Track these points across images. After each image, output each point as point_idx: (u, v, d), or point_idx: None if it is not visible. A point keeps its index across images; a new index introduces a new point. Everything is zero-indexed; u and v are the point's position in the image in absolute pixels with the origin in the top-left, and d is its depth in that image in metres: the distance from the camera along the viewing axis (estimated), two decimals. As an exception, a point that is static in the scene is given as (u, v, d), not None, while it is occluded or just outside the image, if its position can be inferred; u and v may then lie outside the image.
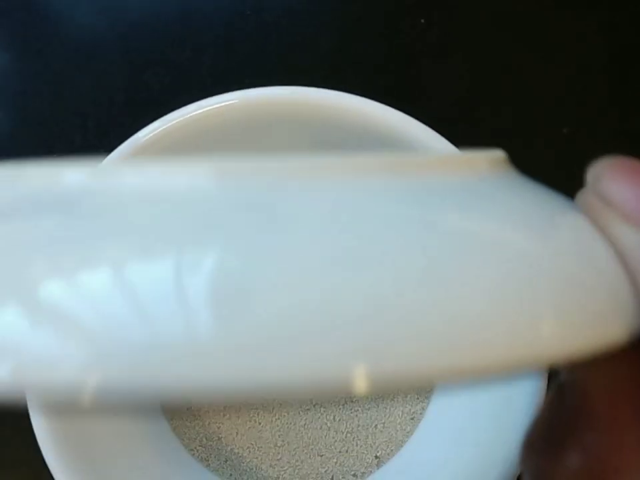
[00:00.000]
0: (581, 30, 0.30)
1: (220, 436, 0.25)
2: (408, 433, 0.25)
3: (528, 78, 0.30)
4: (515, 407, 0.20)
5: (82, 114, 0.30)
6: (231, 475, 0.25)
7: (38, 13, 0.31)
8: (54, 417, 0.21)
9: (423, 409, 0.25)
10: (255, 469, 0.25)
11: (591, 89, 0.30)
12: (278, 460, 0.25)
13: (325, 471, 0.25)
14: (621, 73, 0.30)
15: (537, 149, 0.29)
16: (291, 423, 0.25)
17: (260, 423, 0.25)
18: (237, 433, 0.25)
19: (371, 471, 0.25)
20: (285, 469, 0.25)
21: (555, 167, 0.29)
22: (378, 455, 0.25)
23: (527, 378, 0.20)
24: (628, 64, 0.30)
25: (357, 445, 0.25)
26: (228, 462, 0.25)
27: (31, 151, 0.30)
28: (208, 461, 0.25)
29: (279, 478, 0.25)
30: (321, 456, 0.25)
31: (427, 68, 0.30)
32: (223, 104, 0.23)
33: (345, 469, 0.25)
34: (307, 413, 0.25)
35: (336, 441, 0.25)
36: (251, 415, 0.25)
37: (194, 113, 0.23)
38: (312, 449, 0.25)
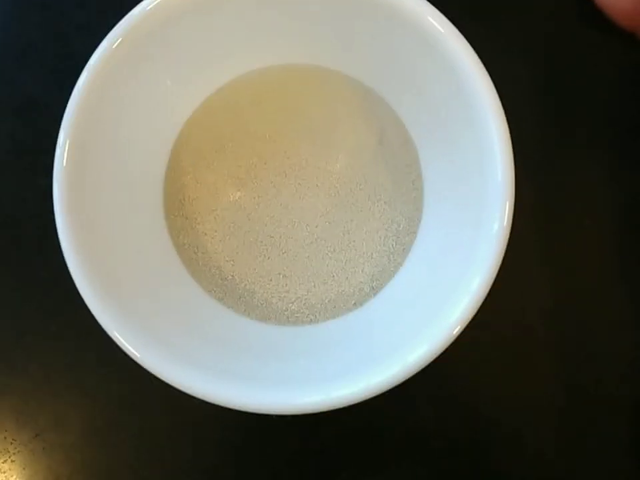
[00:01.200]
0: None
1: (233, 274, 0.28)
2: (399, 264, 0.28)
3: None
4: (484, 238, 0.23)
5: (81, -6, 0.32)
6: (244, 310, 0.28)
7: None
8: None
9: (412, 241, 0.28)
10: (265, 303, 0.28)
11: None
12: (286, 292, 0.28)
13: (329, 300, 0.28)
14: None
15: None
16: (297, 255, 0.28)
17: (269, 258, 0.28)
18: (248, 268, 0.28)
19: (367, 299, 0.28)
20: (292, 300, 0.28)
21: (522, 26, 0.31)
22: (374, 285, 0.28)
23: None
24: None
25: (355, 273, 0.28)
26: (241, 299, 0.28)
27: (37, 32, 0.32)
28: (224, 299, 0.28)
29: (287, 310, 0.28)
30: (325, 284, 0.28)
31: None
32: None
33: (345, 297, 0.28)
34: (310, 246, 0.28)
35: (337, 269, 0.28)
36: (261, 251, 0.28)
37: None
38: (316, 278, 0.28)
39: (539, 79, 0.31)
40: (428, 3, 0.23)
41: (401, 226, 0.28)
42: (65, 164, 0.23)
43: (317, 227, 0.28)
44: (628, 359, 0.30)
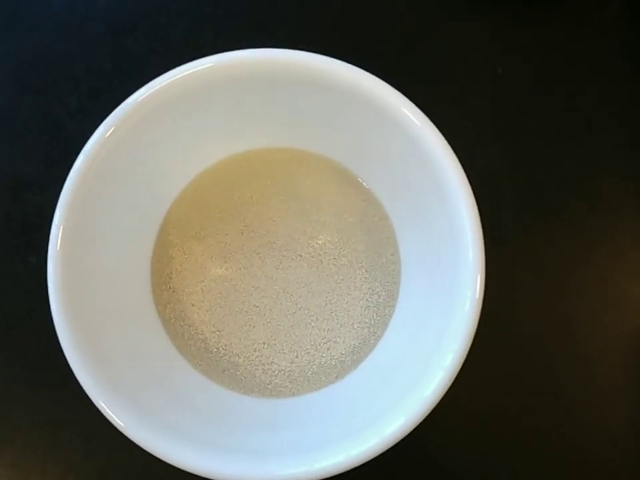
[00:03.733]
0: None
1: (218, 347, 0.29)
2: (379, 336, 0.29)
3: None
4: (457, 314, 0.24)
5: (75, 81, 0.33)
6: (229, 383, 0.28)
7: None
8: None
9: (391, 313, 0.29)
10: (249, 376, 0.29)
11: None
12: (270, 364, 0.29)
13: (311, 373, 0.29)
14: None
15: (475, 87, 0.34)
16: (280, 324, 0.29)
17: (254, 327, 0.29)
18: (234, 338, 0.29)
19: (348, 372, 0.29)
20: (275, 373, 0.29)
21: (490, 108, 0.33)
22: (355, 358, 0.29)
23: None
24: None
25: (337, 344, 0.29)
26: (225, 372, 0.29)
27: (32, 116, 0.33)
28: (208, 372, 0.29)
29: (270, 383, 0.29)
30: (308, 354, 0.29)
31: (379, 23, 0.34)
32: (199, 67, 0.25)
33: (327, 370, 0.29)
34: (294, 315, 0.29)
35: (319, 338, 0.29)
36: (247, 320, 0.29)
37: (174, 78, 0.25)
38: (299, 348, 0.29)
39: (511, 164, 0.33)
40: (403, 96, 0.25)
41: (381, 297, 0.29)
42: (59, 243, 0.24)
43: (300, 296, 0.29)
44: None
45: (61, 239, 0.24)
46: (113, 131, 0.25)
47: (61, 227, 0.24)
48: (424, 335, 0.26)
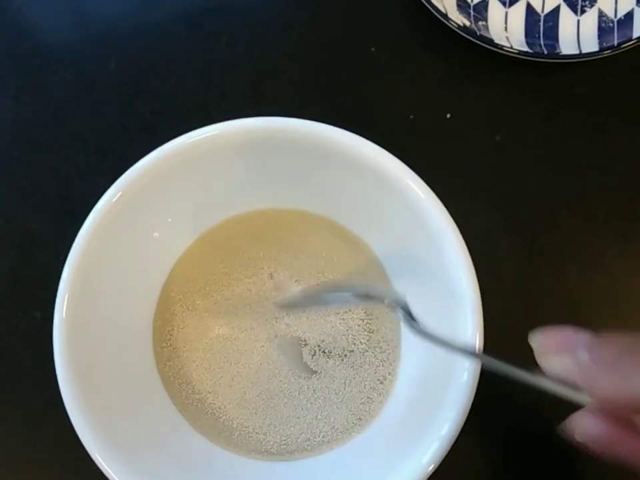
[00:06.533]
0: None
1: (214, 409, 0.29)
2: (379, 408, 0.29)
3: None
4: (455, 384, 0.24)
5: (83, 140, 0.34)
6: (226, 445, 0.28)
7: (41, 57, 0.36)
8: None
9: (391, 385, 0.29)
10: (244, 442, 0.28)
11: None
12: (264, 434, 0.28)
13: (310, 447, 0.28)
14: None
15: (474, 153, 0.34)
16: (277, 396, 0.29)
17: (250, 394, 0.29)
18: (229, 401, 0.29)
19: (344, 442, 0.28)
20: (270, 444, 0.28)
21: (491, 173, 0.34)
22: (353, 429, 0.28)
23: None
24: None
25: (334, 419, 0.29)
26: (221, 434, 0.28)
27: (41, 174, 0.34)
28: (206, 433, 0.28)
29: (266, 451, 0.28)
30: (305, 432, 0.28)
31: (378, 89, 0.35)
32: (207, 135, 0.26)
33: (327, 442, 0.28)
34: (291, 387, 0.29)
35: (319, 414, 0.29)
36: (242, 386, 0.29)
37: (182, 144, 0.26)
38: (296, 421, 0.29)
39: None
40: (406, 167, 0.26)
41: (383, 369, 0.29)
42: (65, 310, 0.25)
43: (301, 370, 0.29)
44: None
45: (67, 305, 0.25)
46: (121, 195, 0.26)
47: (66, 294, 0.25)
48: (422, 405, 0.26)
